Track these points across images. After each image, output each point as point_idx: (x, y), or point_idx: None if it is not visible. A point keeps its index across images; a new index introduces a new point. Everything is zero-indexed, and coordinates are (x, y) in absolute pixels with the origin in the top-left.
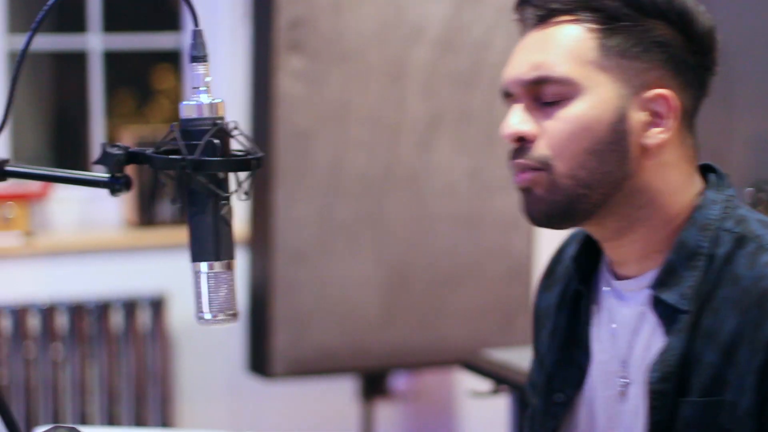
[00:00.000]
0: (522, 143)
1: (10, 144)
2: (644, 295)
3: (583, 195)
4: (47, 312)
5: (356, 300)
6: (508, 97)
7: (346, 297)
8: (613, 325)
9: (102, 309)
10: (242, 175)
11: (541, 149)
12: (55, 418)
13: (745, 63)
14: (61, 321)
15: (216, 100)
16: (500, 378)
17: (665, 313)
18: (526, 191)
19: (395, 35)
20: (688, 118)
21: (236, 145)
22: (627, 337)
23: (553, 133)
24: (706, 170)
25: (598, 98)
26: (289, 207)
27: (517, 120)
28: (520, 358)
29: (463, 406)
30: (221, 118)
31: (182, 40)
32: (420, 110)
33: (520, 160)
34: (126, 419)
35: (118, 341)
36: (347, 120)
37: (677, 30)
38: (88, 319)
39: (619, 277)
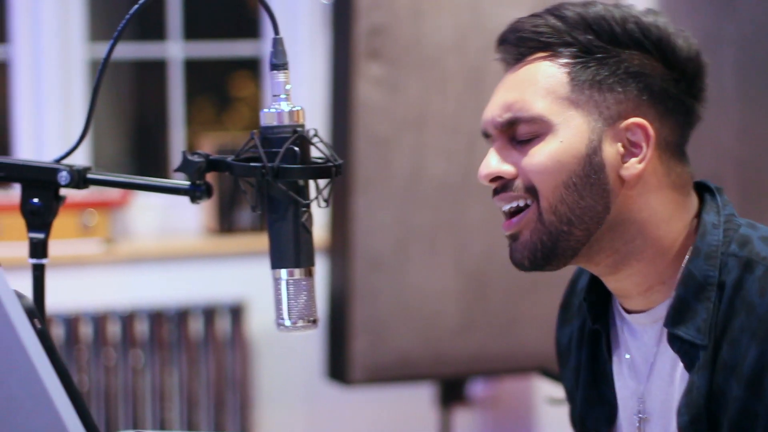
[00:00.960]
0: (502, 182)
1: (91, 152)
2: (656, 328)
3: (566, 232)
4: (127, 319)
5: (435, 306)
6: (488, 137)
7: (424, 303)
8: (627, 356)
9: (182, 316)
10: (322, 182)
11: (521, 184)
12: (135, 424)
13: None
14: (141, 328)
15: (296, 108)
16: None
17: (683, 349)
18: (513, 238)
19: (474, 42)
20: (673, 147)
21: (316, 152)
22: (643, 371)
23: (529, 169)
24: (699, 189)
25: (569, 133)
26: (368, 214)
27: (494, 161)
28: None
29: (540, 412)
30: (301, 126)
31: (262, 48)
32: None
33: (506, 194)
34: (205, 426)
35: (198, 348)
36: (426, 127)
37: (655, 59)
38: (167, 326)
39: (628, 311)
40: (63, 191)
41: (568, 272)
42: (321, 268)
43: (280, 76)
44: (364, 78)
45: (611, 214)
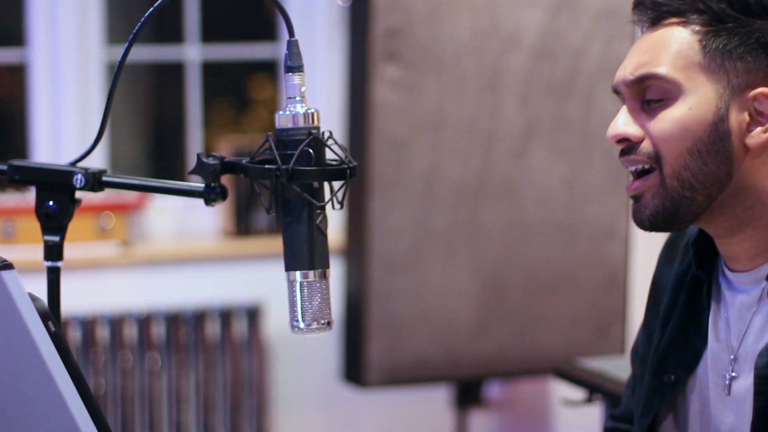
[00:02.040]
0: (628, 144)
1: (107, 154)
2: (758, 287)
3: (688, 198)
4: (144, 321)
5: (451, 308)
6: (619, 95)
7: (441, 305)
8: (726, 316)
9: (198, 318)
10: (337, 184)
11: (647, 148)
12: (151, 427)
13: None
14: (158, 330)
15: (311, 110)
16: (594, 387)
17: None
18: (636, 198)
19: (491, 43)
20: None
21: (331, 154)
22: (739, 329)
23: (656, 134)
24: None
25: (698, 99)
26: (384, 216)
27: (622, 122)
28: (615, 367)
29: (557, 414)
30: (316, 128)
31: (279, 50)
32: (515, 118)
33: (630, 157)
34: (221, 428)
35: (214, 350)
36: (443, 128)
37: None
38: (184, 329)
39: (732, 270)
40: (78, 194)
41: (589, 274)
42: (337, 270)
43: (296, 78)
44: (381, 80)
45: (734, 180)
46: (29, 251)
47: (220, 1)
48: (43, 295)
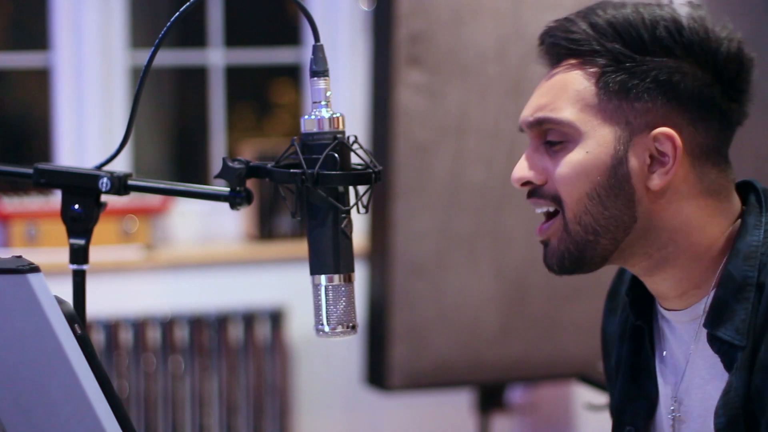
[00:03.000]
0: (532, 186)
1: (132, 158)
2: (693, 327)
3: (592, 241)
4: (167, 324)
5: (474, 313)
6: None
7: (464, 310)
8: (665, 353)
9: (221, 322)
10: (362, 188)
11: (550, 190)
12: (174, 430)
13: None
14: (181, 333)
15: (336, 115)
16: None
17: (722, 349)
18: (545, 243)
19: (514, 49)
20: (708, 151)
21: (356, 159)
22: (680, 369)
23: (556, 178)
24: (746, 189)
25: (595, 143)
26: (408, 220)
27: (524, 166)
28: None
29: (579, 418)
30: (341, 133)
31: (302, 55)
32: None
33: (537, 199)
34: (245, 431)
35: (237, 354)
36: (466, 133)
37: (688, 63)
38: (207, 332)
39: (667, 308)
40: (104, 198)
41: (609, 278)
42: (361, 274)
43: (321, 83)
44: (405, 85)
45: (639, 222)
46: (53, 254)
47: (244, 6)
48: (68, 298)
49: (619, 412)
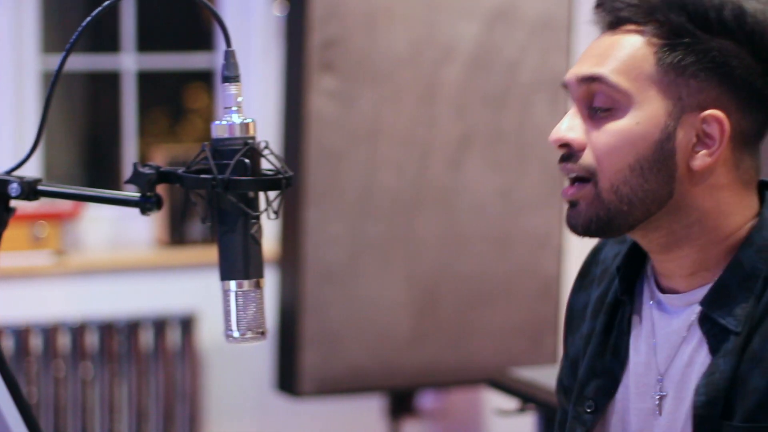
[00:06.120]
0: (569, 149)
1: (43, 163)
2: (690, 311)
3: (625, 212)
4: (77, 330)
5: (386, 319)
6: (567, 91)
7: (375, 316)
8: (654, 339)
9: (132, 328)
10: (272, 194)
11: (587, 159)
12: None
13: None
14: (92, 339)
15: (247, 120)
16: (527, 396)
17: (712, 331)
18: (572, 204)
19: (427, 55)
20: (748, 140)
21: (267, 164)
22: (668, 351)
23: (598, 145)
24: (763, 186)
25: (646, 114)
26: (320, 226)
27: (566, 126)
28: (547, 376)
29: (490, 424)
30: (252, 138)
31: (216, 60)
32: (451, 129)
33: (568, 165)
34: None
35: (148, 360)
36: (379, 139)
37: (745, 50)
38: (118, 338)
39: (664, 290)
40: (13, 203)
41: (522, 285)
42: (272, 280)
43: (232, 88)
44: (317, 90)
45: (674, 199)
46: None
47: (157, 11)
48: None
49: (581, 387)
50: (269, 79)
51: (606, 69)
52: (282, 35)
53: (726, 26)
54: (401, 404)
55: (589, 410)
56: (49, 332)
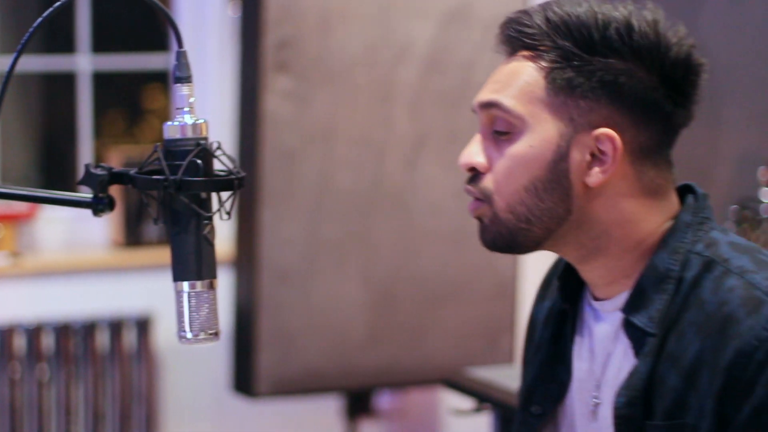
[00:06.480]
0: (474, 172)
1: None
2: (617, 316)
3: (524, 229)
4: (33, 332)
5: (342, 319)
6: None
7: (331, 316)
8: (591, 343)
9: (88, 329)
10: (225, 194)
11: (487, 182)
12: None
13: (731, 82)
14: (47, 341)
15: (199, 121)
16: (483, 396)
17: (635, 335)
18: (478, 219)
19: (382, 55)
20: (649, 152)
21: (220, 165)
22: (602, 357)
23: (498, 169)
24: (686, 191)
25: (540, 136)
26: (275, 226)
27: (473, 151)
28: (503, 376)
29: (446, 424)
30: (204, 139)
31: (171, 61)
32: (407, 129)
33: (469, 187)
34: None
35: (104, 361)
36: (334, 139)
37: (635, 65)
38: (74, 339)
39: (595, 297)
40: None
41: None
42: (228, 280)
43: (184, 89)
44: (272, 91)
45: (574, 215)
46: None
47: (112, 12)
48: None
49: (529, 392)
50: (224, 80)
51: (502, 95)
52: (237, 36)
53: (611, 45)
54: (358, 404)
55: (536, 414)
56: (5, 334)
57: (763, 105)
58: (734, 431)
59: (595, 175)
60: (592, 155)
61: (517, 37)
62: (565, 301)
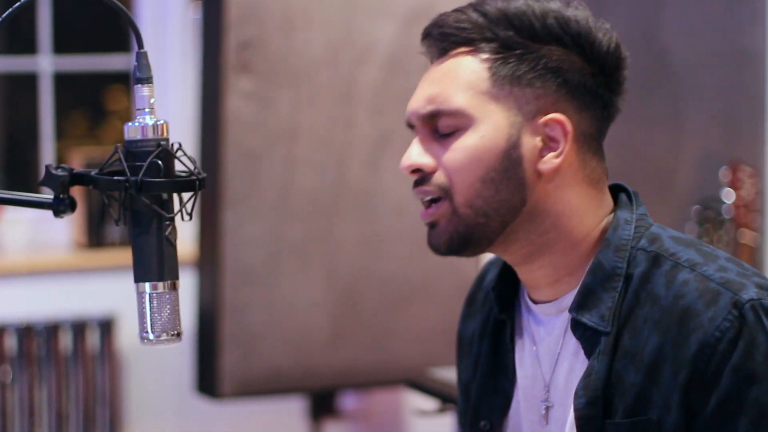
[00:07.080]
0: (421, 174)
1: None
2: (562, 318)
3: (481, 224)
4: None
5: (305, 320)
6: (412, 128)
7: (295, 317)
8: (534, 348)
9: (51, 330)
10: (186, 195)
11: (440, 178)
12: None
13: (693, 83)
14: (10, 342)
15: (160, 122)
16: (446, 397)
17: (585, 335)
18: (432, 225)
19: (344, 56)
20: (590, 140)
21: (181, 166)
22: (550, 361)
23: (448, 164)
24: (616, 191)
25: (490, 128)
26: (238, 227)
27: (416, 153)
28: None
29: (410, 425)
30: (165, 140)
31: (132, 62)
32: (369, 130)
33: (422, 188)
34: None
35: (67, 362)
36: (297, 140)
37: (574, 53)
38: (37, 341)
39: (536, 301)
40: None
41: (441, 285)
42: (191, 281)
43: (145, 90)
44: (234, 92)
45: (527, 206)
46: None
47: (73, 12)
48: None
49: (475, 407)
50: (186, 81)
51: (445, 99)
52: (198, 36)
53: (552, 33)
54: (322, 405)
55: (485, 430)
56: None
57: (724, 106)
58: (702, 422)
59: (549, 161)
60: (543, 142)
61: (454, 33)
62: (501, 310)
